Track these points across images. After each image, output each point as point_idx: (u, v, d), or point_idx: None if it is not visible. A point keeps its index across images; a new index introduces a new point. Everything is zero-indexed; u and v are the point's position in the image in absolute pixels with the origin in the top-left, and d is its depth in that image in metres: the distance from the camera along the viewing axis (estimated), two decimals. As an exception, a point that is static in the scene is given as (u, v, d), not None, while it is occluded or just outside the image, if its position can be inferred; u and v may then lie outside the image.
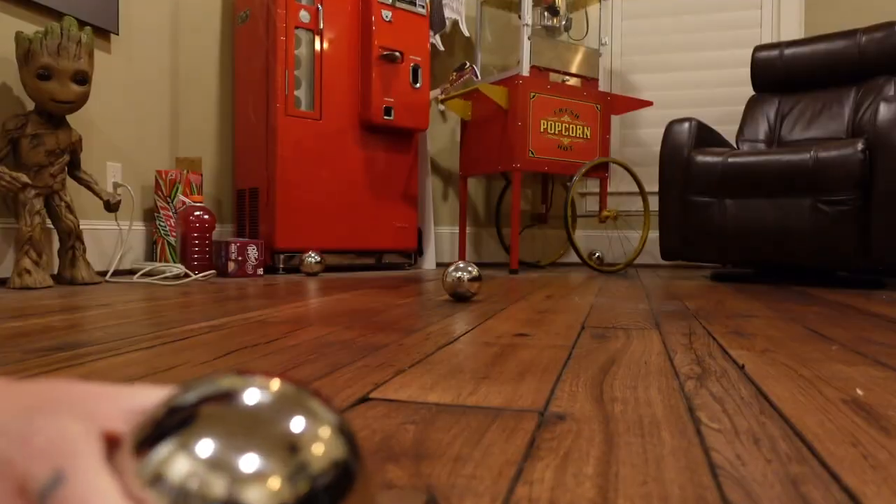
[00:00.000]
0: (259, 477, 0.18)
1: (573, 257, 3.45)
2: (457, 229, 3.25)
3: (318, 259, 2.21)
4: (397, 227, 2.68)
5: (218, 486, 0.18)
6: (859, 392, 0.62)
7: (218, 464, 0.18)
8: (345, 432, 0.21)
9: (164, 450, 0.19)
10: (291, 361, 0.74)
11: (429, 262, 2.87)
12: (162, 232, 2.21)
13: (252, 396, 0.20)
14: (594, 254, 3.08)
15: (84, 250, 1.84)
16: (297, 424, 0.20)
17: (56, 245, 1.91)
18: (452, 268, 1.43)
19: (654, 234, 3.24)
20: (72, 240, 1.81)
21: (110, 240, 2.12)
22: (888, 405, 0.57)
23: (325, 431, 0.20)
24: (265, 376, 0.21)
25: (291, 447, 0.19)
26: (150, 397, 0.23)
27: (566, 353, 0.81)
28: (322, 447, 0.20)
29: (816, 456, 0.44)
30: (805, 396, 0.60)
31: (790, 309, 1.35)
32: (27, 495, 0.20)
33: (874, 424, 0.51)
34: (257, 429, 0.19)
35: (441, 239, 3.24)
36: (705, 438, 0.47)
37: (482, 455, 0.43)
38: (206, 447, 0.18)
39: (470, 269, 1.43)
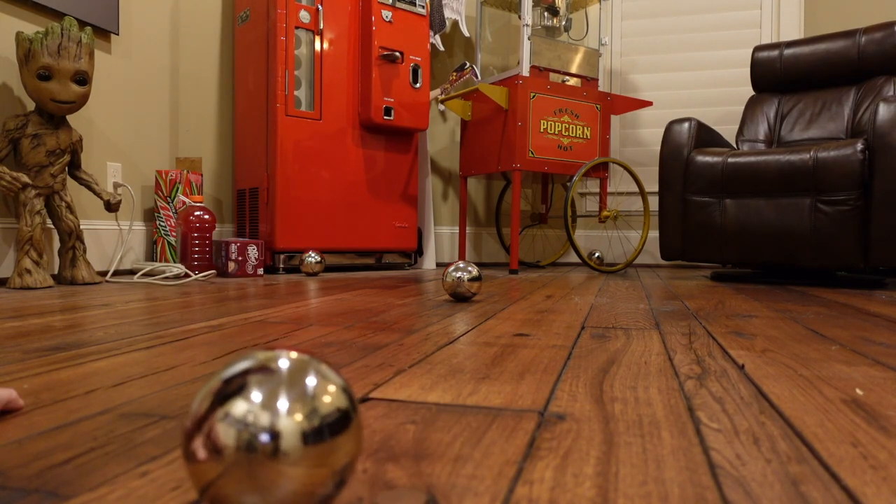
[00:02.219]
0: (289, 413, 0.29)
1: (573, 257, 3.45)
2: (457, 229, 3.25)
3: (318, 259, 2.21)
4: (397, 227, 2.68)
5: (263, 418, 0.28)
6: (859, 392, 0.62)
7: (262, 406, 0.29)
8: (345, 389, 0.32)
9: (226, 399, 0.29)
10: (292, 361, 0.74)
11: (429, 262, 2.87)
12: (162, 232, 2.21)
13: (283, 363, 0.31)
14: (594, 254, 3.08)
15: (84, 250, 1.84)
16: (312, 382, 0.30)
17: (56, 245, 1.91)
18: (452, 268, 1.43)
19: (653, 234, 3.24)
20: (72, 240, 1.81)
21: (110, 240, 2.12)
22: (888, 405, 0.57)
23: (332, 387, 0.31)
24: (291, 350, 0.32)
25: (309, 396, 0.30)
26: None
27: (566, 354, 0.81)
28: (329, 398, 0.30)
29: (816, 456, 0.44)
30: (805, 396, 0.60)
31: (790, 309, 1.35)
32: None
33: (874, 424, 0.51)
34: (287, 385, 0.29)
35: (441, 239, 3.24)
36: (705, 438, 0.48)
37: (482, 455, 0.43)
38: (254, 396, 0.29)
39: (470, 269, 1.43)
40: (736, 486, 0.38)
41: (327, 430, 0.29)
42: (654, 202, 3.24)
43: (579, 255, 2.58)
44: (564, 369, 0.72)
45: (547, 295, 1.62)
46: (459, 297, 1.44)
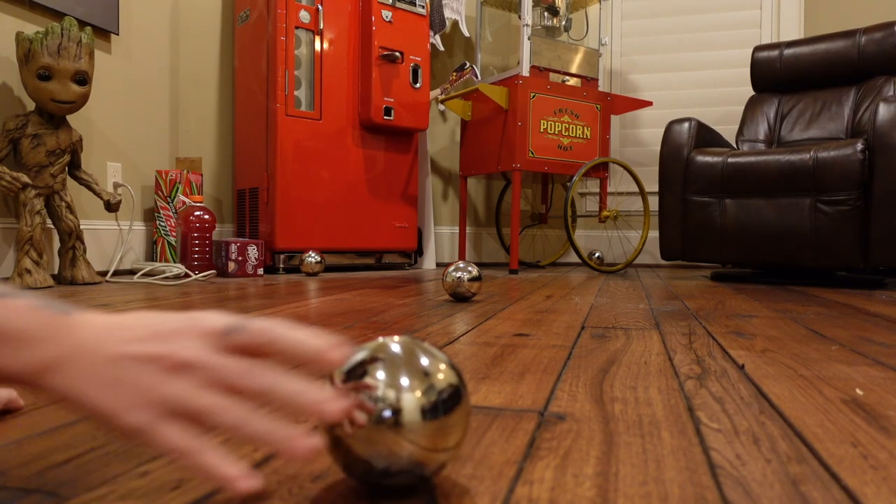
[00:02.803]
0: (410, 388, 0.34)
1: (573, 257, 3.45)
2: (457, 229, 3.25)
3: (318, 259, 2.21)
4: (397, 227, 2.68)
5: (390, 393, 0.34)
6: (859, 392, 0.62)
7: (388, 382, 0.34)
8: (454, 367, 0.37)
9: (358, 375, 0.35)
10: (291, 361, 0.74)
11: (429, 262, 2.87)
12: (162, 232, 2.21)
13: (402, 347, 0.36)
14: (594, 254, 3.08)
15: (84, 250, 1.84)
16: (427, 362, 0.36)
17: (56, 245, 1.91)
18: (452, 268, 1.43)
19: (654, 234, 3.24)
20: (72, 240, 1.81)
21: (110, 240, 2.12)
22: (888, 405, 0.57)
23: (444, 366, 0.36)
24: (406, 336, 0.38)
25: (426, 374, 0.35)
26: (227, 318, 0.37)
27: (566, 354, 0.81)
28: (442, 375, 0.35)
29: (816, 456, 0.44)
30: (805, 396, 0.60)
31: (790, 309, 1.35)
32: (213, 337, 0.35)
33: (874, 424, 0.51)
34: (408, 364, 0.35)
35: (441, 239, 3.24)
36: (705, 438, 0.48)
37: (482, 455, 0.43)
38: (381, 373, 0.34)
39: (470, 269, 1.43)
40: (736, 486, 0.38)
41: (443, 405, 0.34)
42: (654, 202, 3.24)
43: (579, 255, 2.58)
44: (564, 369, 0.72)
45: (547, 295, 1.62)
46: (459, 297, 1.44)
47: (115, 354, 0.34)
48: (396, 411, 0.33)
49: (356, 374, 0.35)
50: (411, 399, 0.33)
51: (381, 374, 0.34)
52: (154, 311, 0.37)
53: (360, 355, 0.36)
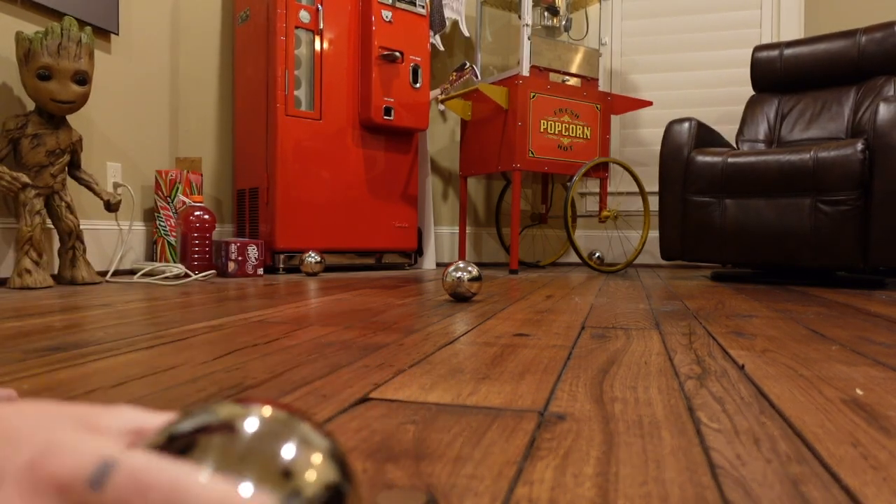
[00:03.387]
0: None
1: (573, 257, 3.45)
2: (457, 229, 3.25)
3: (318, 259, 2.21)
4: (397, 227, 2.68)
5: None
6: (859, 392, 0.62)
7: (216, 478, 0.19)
8: (336, 456, 0.22)
9: (176, 452, 0.20)
10: (291, 361, 0.74)
11: (429, 262, 2.87)
12: (162, 232, 2.21)
13: (248, 424, 0.21)
14: (594, 254, 3.08)
15: (84, 250, 1.84)
16: (290, 451, 0.21)
17: (56, 245, 1.91)
18: (452, 268, 1.43)
19: (654, 234, 3.24)
20: (72, 240, 1.81)
21: (110, 240, 2.12)
22: (888, 405, 0.57)
23: (318, 457, 0.21)
24: (260, 403, 0.23)
25: (286, 473, 0.20)
26: (146, 418, 0.24)
27: (566, 354, 0.81)
28: (314, 473, 0.21)
29: (816, 456, 0.44)
30: (805, 396, 0.60)
31: (790, 309, 1.35)
32: (68, 491, 0.20)
33: (874, 424, 0.51)
34: (252, 456, 0.20)
35: (441, 239, 3.24)
36: (705, 438, 0.47)
37: (482, 455, 0.43)
38: (211, 460, 0.20)
39: (470, 269, 1.43)
40: (736, 486, 0.38)
41: None
42: (654, 202, 3.24)
43: (579, 255, 2.58)
44: (564, 369, 0.72)
45: (547, 295, 1.62)
46: (459, 297, 1.44)
47: None
48: None
49: (174, 448, 0.21)
50: None
51: (209, 462, 0.20)
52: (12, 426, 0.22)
53: (194, 420, 0.22)
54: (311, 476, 0.21)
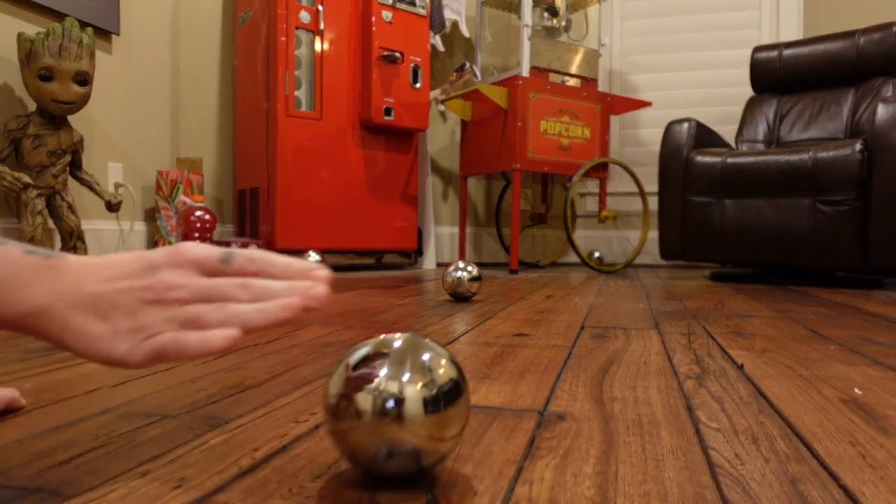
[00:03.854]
0: (411, 382, 0.36)
1: (573, 257, 3.45)
2: (457, 229, 3.26)
3: (319, 259, 2.22)
4: (397, 227, 2.68)
5: (393, 386, 0.35)
6: (858, 392, 0.62)
7: (391, 375, 0.36)
8: (455, 363, 0.39)
9: (363, 369, 0.37)
10: (292, 361, 0.75)
11: (429, 262, 2.87)
12: (163, 232, 2.21)
13: (402, 342, 0.38)
14: (594, 254, 3.08)
15: (85, 250, 1.84)
16: (428, 357, 0.38)
17: (58, 245, 1.91)
18: (452, 268, 1.44)
19: (653, 234, 3.24)
20: (73, 240, 1.81)
21: (111, 240, 2.12)
22: (887, 405, 0.58)
23: (445, 361, 0.38)
24: (410, 332, 0.40)
25: (428, 369, 0.37)
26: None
27: (566, 353, 0.82)
28: (443, 370, 0.37)
29: (815, 455, 0.44)
30: (804, 396, 0.61)
31: (789, 309, 1.36)
32: (203, 265, 0.36)
33: (873, 424, 0.52)
34: (410, 360, 0.37)
35: (441, 239, 3.24)
36: (704, 438, 0.48)
37: (482, 455, 0.44)
38: (385, 368, 0.36)
39: (470, 269, 1.43)
40: (735, 485, 0.39)
41: (443, 398, 0.36)
42: (653, 202, 3.24)
43: (579, 256, 2.58)
44: (564, 369, 0.72)
45: (547, 295, 1.62)
46: (459, 297, 1.44)
47: (99, 291, 0.35)
48: (399, 403, 0.35)
49: (361, 368, 0.37)
50: (413, 392, 0.35)
51: (384, 369, 0.36)
52: (141, 251, 0.38)
53: (364, 350, 0.38)
54: (440, 371, 0.37)
